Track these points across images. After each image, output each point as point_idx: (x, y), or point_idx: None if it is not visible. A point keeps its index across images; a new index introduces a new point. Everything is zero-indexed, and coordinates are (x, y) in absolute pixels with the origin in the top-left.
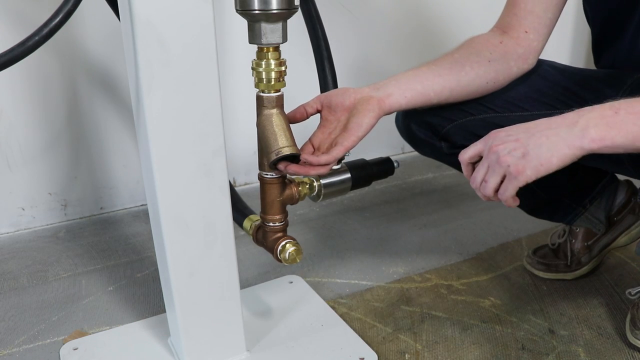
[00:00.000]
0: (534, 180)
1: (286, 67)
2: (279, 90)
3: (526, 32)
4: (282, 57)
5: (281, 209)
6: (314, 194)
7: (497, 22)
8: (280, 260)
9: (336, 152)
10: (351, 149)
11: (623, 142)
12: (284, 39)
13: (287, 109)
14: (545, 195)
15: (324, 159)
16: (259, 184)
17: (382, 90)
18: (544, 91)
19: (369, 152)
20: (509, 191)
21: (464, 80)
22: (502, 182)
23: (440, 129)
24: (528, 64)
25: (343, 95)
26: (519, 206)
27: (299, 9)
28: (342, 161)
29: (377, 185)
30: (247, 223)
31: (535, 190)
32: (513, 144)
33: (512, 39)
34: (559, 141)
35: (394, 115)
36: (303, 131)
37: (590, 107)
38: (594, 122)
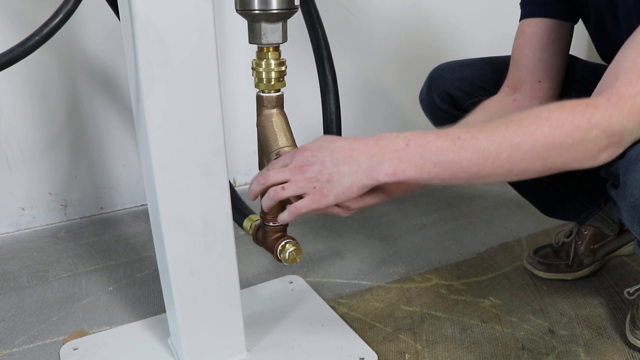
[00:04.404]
0: (332, 204)
1: (286, 67)
2: (279, 90)
3: (539, 81)
4: (282, 57)
5: (281, 209)
6: None
7: (506, 82)
8: (280, 260)
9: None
10: None
11: (413, 175)
12: (284, 39)
13: (287, 109)
14: (562, 188)
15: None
16: None
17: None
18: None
19: None
20: (305, 209)
21: None
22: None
23: (461, 103)
24: None
25: None
26: (533, 203)
27: (299, 9)
28: None
29: None
30: (247, 223)
31: (551, 183)
32: (319, 167)
33: (526, 93)
34: (360, 172)
35: (394, 115)
36: (303, 131)
37: (390, 135)
38: (388, 155)
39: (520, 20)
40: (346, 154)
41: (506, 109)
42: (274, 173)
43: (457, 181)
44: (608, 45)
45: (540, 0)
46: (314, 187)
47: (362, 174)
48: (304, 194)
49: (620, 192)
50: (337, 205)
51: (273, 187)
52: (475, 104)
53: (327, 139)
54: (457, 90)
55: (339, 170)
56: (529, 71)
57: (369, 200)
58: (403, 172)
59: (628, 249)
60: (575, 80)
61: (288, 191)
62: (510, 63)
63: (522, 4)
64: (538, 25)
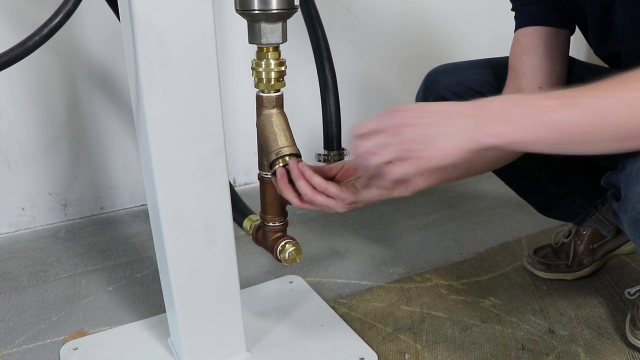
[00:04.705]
0: (432, 167)
1: (286, 67)
2: (278, 90)
3: (540, 87)
4: (282, 57)
5: (281, 209)
6: None
7: (505, 89)
8: (280, 260)
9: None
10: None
11: (519, 137)
12: (284, 39)
13: (287, 109)
14: (557, 188)
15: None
16: (259, 184)
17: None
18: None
19: None
20: (402, 171)
21: (485, 168)
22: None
23: None
24: None
25: None
26: (531, 203)
27: (299, 9)
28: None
29: None
30: (247, 223)
31: (548, 183)
32: (418, 128)
33: None
34: (462, 133)
35: None
36: (303, 131)
37: (492, 97)
38: (493, 115)
39: (515, 31)
40: (447, 115)
41: None
42: (367, 140)
43: (564, 146)
44: (608, 43)
45: (534, 10)
46: (412, 150)
47: (464, 135)
48: (401, 157)
49: (622, 205)
50: (333, 198)
51: (366, 153)
52: None
53: (421, 103)
54: (452, 95)
55: (439, 131)
56: (528, 79)
57: (367, 195)
58: (509, 133)
59: (627, 247)
60: (573, 81)
61: (385, 155)
62: (509, 71)
63: (515, 16)
64: (533, 34)
